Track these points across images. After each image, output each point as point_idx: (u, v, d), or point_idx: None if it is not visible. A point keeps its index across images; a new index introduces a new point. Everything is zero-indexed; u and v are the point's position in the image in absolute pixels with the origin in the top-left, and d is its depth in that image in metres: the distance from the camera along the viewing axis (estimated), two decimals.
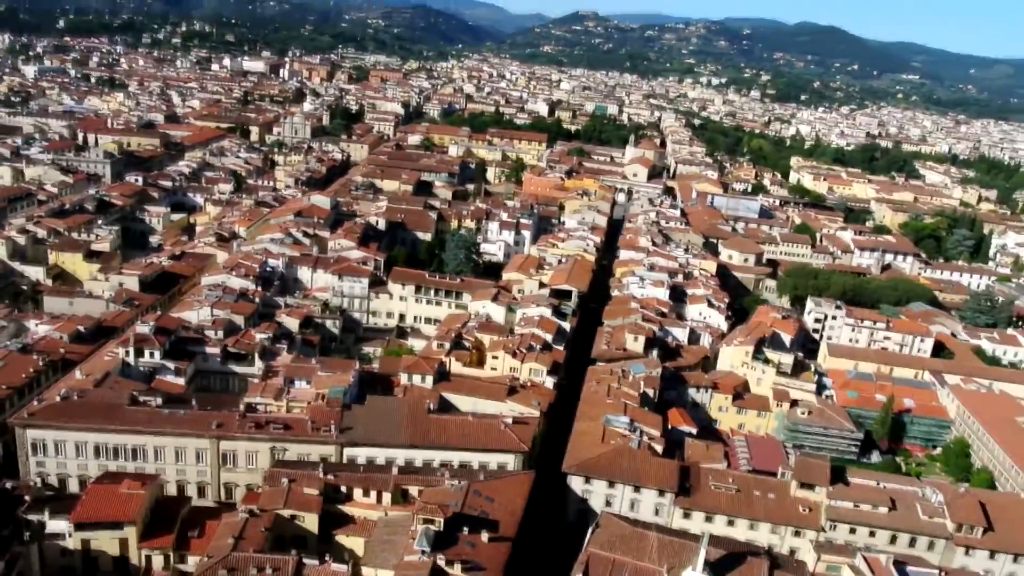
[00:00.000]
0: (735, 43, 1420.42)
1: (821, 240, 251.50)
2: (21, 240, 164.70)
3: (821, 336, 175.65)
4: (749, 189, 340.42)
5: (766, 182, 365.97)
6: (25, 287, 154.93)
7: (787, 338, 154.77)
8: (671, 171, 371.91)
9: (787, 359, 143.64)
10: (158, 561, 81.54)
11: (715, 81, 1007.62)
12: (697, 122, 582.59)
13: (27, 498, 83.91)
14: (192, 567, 78.50)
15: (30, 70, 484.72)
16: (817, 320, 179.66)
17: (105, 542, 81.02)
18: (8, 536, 76.60)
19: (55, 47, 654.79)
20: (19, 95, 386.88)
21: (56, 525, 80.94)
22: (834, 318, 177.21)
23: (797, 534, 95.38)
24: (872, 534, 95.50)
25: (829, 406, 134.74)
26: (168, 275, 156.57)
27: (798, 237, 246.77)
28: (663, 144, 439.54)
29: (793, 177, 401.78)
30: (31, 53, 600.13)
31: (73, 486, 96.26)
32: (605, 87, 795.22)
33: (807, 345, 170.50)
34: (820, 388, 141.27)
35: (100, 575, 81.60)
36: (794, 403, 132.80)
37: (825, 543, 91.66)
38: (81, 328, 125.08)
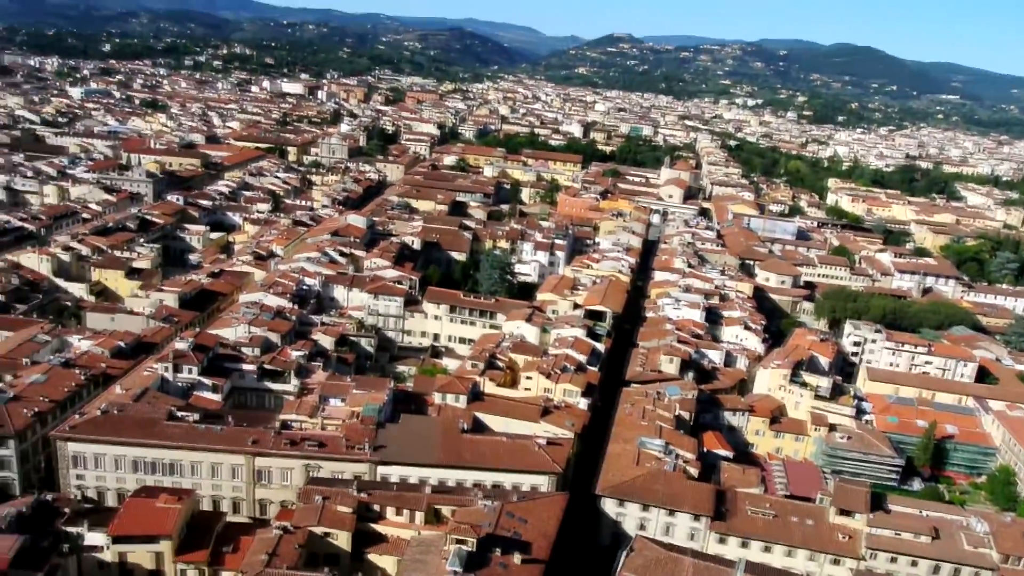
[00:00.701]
0: (771, 64, 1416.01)
1: (860, 262, 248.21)
2: (65, 257, 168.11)
3: (860, 360, 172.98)
4: (786, 211, 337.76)
5: (803, 204, 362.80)
6: (68, 303, 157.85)
7: (825, 361, 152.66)
8: (706, 192, 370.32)
9: (825, 383, 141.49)
10: (193, 575, 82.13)
11: (751, 102, 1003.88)
12: (733, 143, 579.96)
13: (66, 510, 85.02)
14: None
15: (76, 92, 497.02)
16: (856, 343, 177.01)
17: (141, 555, 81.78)
18: (48, 548, 77.56)
19: (101, 70, 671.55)
20: (66, 116, 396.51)
21: (94, 538, 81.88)
22: (873, 341, 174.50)
23: (836, 562, 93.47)
24: (914, 564, 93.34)
25: (868, 431, 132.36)
26: (206, 293, 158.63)
27: (836, 259, 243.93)
28: (698, 165, 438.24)
29: (831, 199, 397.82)
30: (78, 76, 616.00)
31: (111, 499, 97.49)
32: (640, 108, 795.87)
33: (845, 369, 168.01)
34: (859, 413, 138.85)
35: None
36: (832, 427, 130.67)
37: (865, 572, 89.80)
38: (122, 344, 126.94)
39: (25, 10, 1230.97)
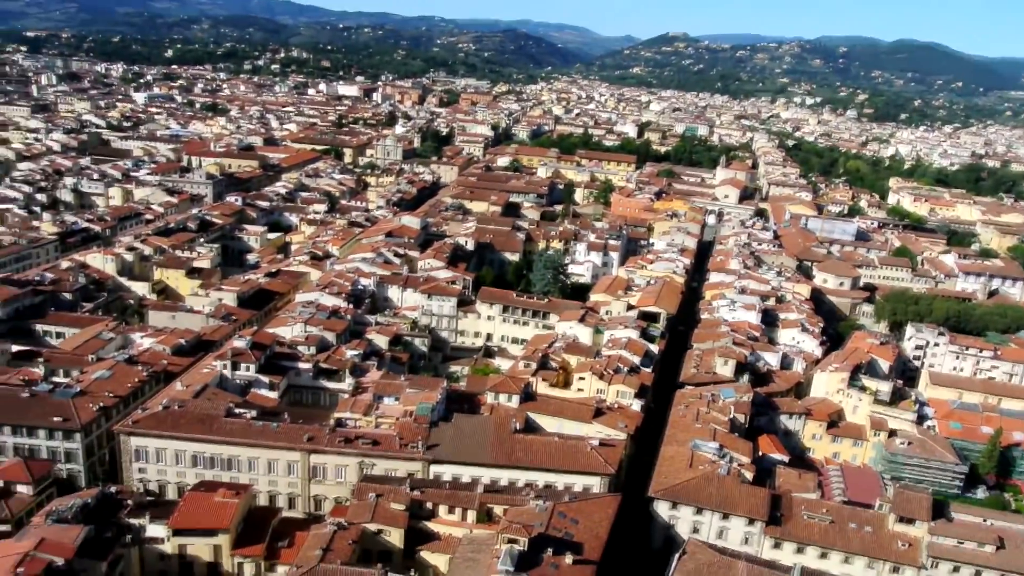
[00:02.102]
0: (830, 62, 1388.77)
1: (922, 264, 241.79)
2: (129, 257, 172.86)
3: (922, 364, 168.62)
4: (845, 211, 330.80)
5: (863, 204, 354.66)
6: (132, 302, 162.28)
7: (885, 365, 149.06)
8: (763, 193, 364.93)
9: (885, 387, 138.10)
10: (249, 569, 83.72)
11: (809, 101, 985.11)
12: (790, 143, 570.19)
13: (129, 503, 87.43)
14: None
15: (140, 97, 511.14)
16: (918, 347, 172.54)
17: (200, 548, 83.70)
18: (111, 538, 79.87)
19: (164, 75, 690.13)
20: (130, 120, 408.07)
21: (155, 530, 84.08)
22: (936, 345, 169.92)
23: (895, 570, 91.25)
24: (978, 574, 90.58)
25: (931, 437, 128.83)
26: (264, 292, 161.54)
27: (897, 260, 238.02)
28: (755, 165, 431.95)
29: (892, 199, 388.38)
30: (142, 81, 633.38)
31: (171, 493, 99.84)
32: (695, 108, 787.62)
33: (906, 373, 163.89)
34: (921, 418, 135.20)
35: None
36: (892, 433, 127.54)
37: None
38: (182, 341, 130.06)
39: (93, 19, 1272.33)
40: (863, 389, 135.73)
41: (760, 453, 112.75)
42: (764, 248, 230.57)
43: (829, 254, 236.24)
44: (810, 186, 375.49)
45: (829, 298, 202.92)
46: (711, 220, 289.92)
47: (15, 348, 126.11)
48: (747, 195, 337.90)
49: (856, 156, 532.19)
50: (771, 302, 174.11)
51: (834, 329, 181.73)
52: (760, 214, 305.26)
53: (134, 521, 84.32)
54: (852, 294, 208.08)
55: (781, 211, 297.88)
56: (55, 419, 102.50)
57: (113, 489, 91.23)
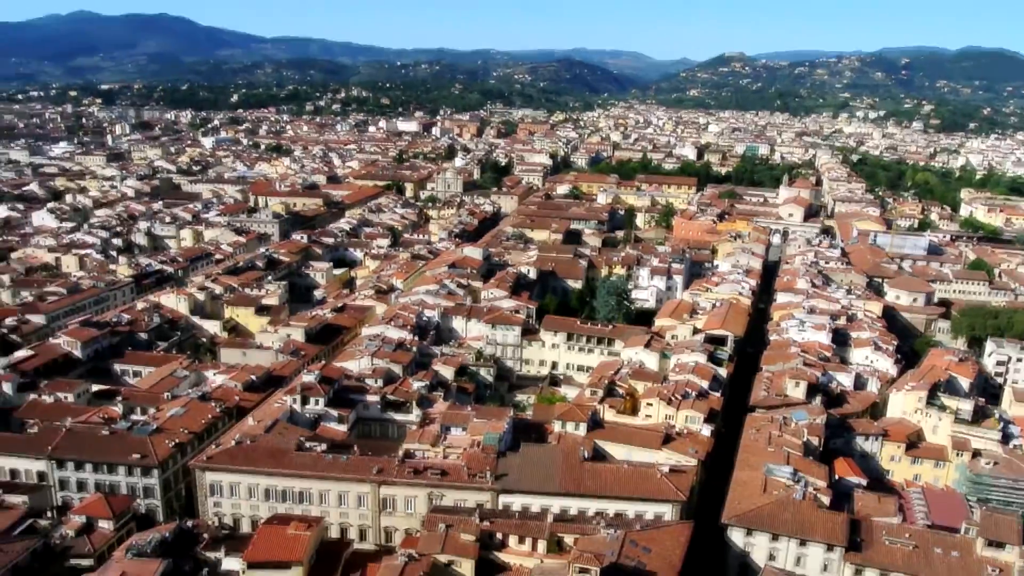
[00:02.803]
0: (892, 74, 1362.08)
1: (1000, 276, 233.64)
2: (200, 296, 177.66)
3: (1004, 380, 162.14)
4: (915, 225, 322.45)
5: (934, 217, 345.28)
6: (204, 340, 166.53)
7: (965, 383, 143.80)
8: (828, 210, 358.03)
9: (966, 405, 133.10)
10: None
11: (872, 115, 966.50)
12: (855, 158, 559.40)
13: (205, 536, 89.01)
14: None
15: (208, 141, 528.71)
16: (999, 363, 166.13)
17: None
18: (189, 572, 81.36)
19: (230, 119, 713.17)
20: (199, 164, 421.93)
21: (230, 563, 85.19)
22: (1019, 360, 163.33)
23: None
24: None
25: (1018, 456, 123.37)
26: (331, 327, 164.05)
27: (973, 274, 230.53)
28: (818, 183, 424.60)
29: (964, 210, 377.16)
30: (209, 126, 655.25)
31: (246, 526, 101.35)
32: (755, 127, 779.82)
33: (988, 390, 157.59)
34: (1006, 437, 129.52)
35: None
36: (976, 453, 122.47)
37: None
38: (253, 377, 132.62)
39: (162, 69, 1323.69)
40: (943, 408, 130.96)
41: (836, 477, 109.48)
42: (832, 266, 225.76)
43: (900, 270, 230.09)
44: (877, 201, 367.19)
45: (902, 315, 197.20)
46: (776, 240, 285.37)
47: (95, 388, 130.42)
48: (812, 213, 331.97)
49: (924, 168, 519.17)
50: (842, 321, 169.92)
51: (909, 347, 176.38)
52: (826, 232, 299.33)
53: (210, 555, 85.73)
54: (926, 310, 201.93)
55: (848, 228, 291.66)
56: (134, 456, 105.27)
57: (190, 523, 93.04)
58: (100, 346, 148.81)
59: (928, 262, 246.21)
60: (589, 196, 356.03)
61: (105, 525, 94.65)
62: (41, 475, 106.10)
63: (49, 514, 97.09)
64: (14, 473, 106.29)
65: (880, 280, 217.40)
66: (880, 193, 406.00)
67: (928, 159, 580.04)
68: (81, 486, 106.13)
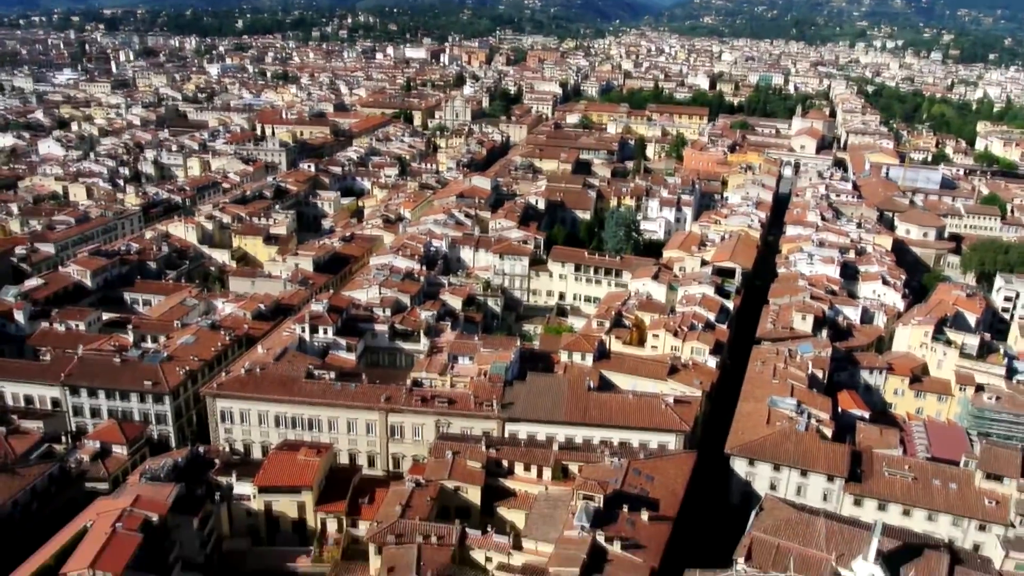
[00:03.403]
0: (912, 2, 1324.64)
1: (1013, 212, 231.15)
2: (209, 226, 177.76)
3: (1012, 316, 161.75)
4: (929, 158, 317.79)
5: (948, 150, 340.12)
6: (213, 269, 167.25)
7: (972, 318, 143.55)
8: (842, 142, 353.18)
9: (972, 340, 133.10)
10: (332, 525, 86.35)
11: (890, 44, 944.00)
12: (871, 89, 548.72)
13: (217, 462, 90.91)
14: (363, 532, 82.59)
15: (214, 69, 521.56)
16: (1007, 299, 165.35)
17: (285, 505, 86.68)
18: (201, 496, 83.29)
19: (235, 46, 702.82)
20: (204, 92, 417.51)
21: (242, 487, 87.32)
22: None
23: (982, 528, 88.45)
24: None
25: (1022, 391, 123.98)
26: (339, 256, 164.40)
27: (986, 209, 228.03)
28: (832, 114, 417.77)
29: (980, 144, 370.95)
30: (214, 53, 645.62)
31: (256, 452, 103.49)
32: (770, 56, 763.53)
33: (995, 326, 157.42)
34: (1011, 372, 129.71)
35: (281, 535, 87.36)
36: (980, 388, 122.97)
37: (1015, 539, 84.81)
38: (262, 306, 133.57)
39: None
40: (948, 343, 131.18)
41: (840, 409, 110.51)
42: (843, 199, 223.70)
43: (912, 204, 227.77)
44: (892, 134, 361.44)
45: (912, 249, 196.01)
46: (787, 172, 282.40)
47: (106, 316, 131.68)
48: (825, 145, 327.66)
49: (941, 100, 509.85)
50: (851, 255, 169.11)
51: (917, 282, 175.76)
52: (839, 164, 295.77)
53: (222, 479, 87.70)
54: (937, 245, 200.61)
55: (861, 160, 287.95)
56: (146, 383, 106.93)
57: (201, 449, 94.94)
58: (110, 275, 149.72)
59: (941, 196, 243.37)
60: (599, 126, 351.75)
61: (119, 450, 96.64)
62: (55, 402, 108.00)
63: (64, 439, 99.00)
64: (29, 400, 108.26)
65: (891, 214, 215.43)
66: (895, 125, 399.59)
67: (946, 91, 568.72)
68: (95, 412, 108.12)
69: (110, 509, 75.62)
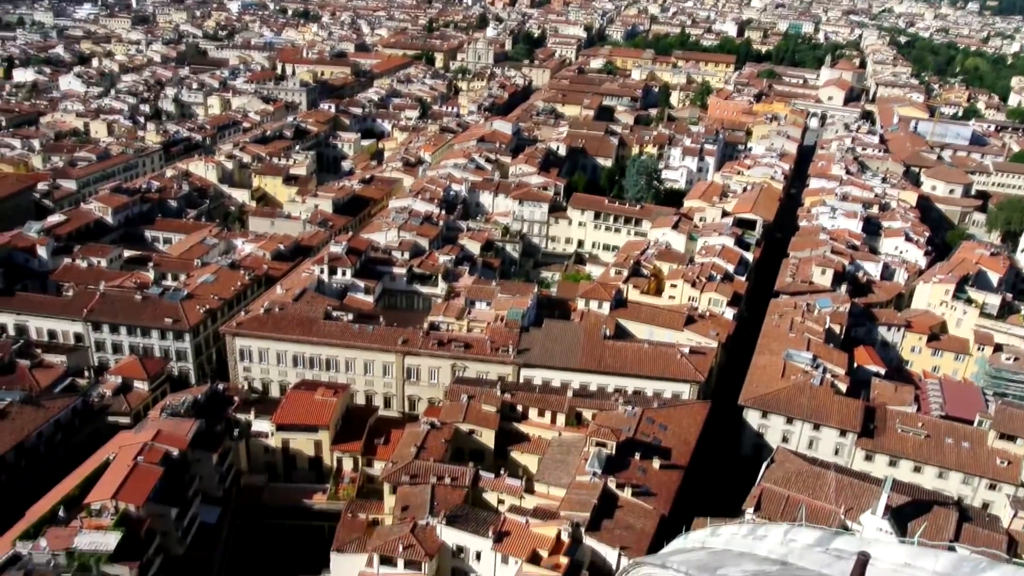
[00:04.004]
0: None
1: None
2: (229, 165, 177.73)
3: None
4: (960, 113, 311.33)
5: (980, 105, 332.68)
6: (233, 208, 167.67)
7: (995, 277, 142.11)
8: (870, 94, 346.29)
9: (993, 300, 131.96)
10: (348, 464, 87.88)
11: None
12: (903, 40, 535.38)
13: (236, 399, 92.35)
14: (378, 471, 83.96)
15: (234, 6, 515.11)
16: None
17: (302, 443, 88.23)
18: (220, 432, 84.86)
19: None
20: (225, 30, 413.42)
21: (260, 425, 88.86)
22: None
23: (992, 487, 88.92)
24: None
25: None
26: (359, 198, 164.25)
27: (1015, 167, 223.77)
28: (862, 65, 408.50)
29: (1013, 99, 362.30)
30: None
31: (274, 391, 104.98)
32: (800, 4, 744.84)
33: (1018, 286, 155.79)
34: None
35: (297, 472, 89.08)
36: (998, 348, 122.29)
37: None
38: (281, 247, 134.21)
39: None
40: (969, 301, 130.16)
41: (856, 365, 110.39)
42: (869, 153, 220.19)
43: (940, 159, 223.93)
44: (923, 86, 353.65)
45: (937, 206, 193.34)
46: (813, 123, 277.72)
47: (127, 253, 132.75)
48: (853, 97, 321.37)
49: (976, 53, 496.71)
50: (874, 210, 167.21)
51: (941, 239, 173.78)
52: (866, 117, 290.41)
53: (241, 416, 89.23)
54: (963, 202, 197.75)
55: (889, 113, 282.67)
56: (166, 320, 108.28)
57: (221, 386, 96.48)
58: (131, 212, 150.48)
59: (969, 152, 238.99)
60: (623, 71, 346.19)
61: (140, 386, 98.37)
62: (78, 337, 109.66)
63: (87, 374, 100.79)
64: (52, 334, 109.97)
65: (918, 169, 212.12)
66: (926, 78, 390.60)
67: (981, 43, 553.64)
68: (116, 348, 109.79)
69: (132, 443, 77.28)
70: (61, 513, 70.13)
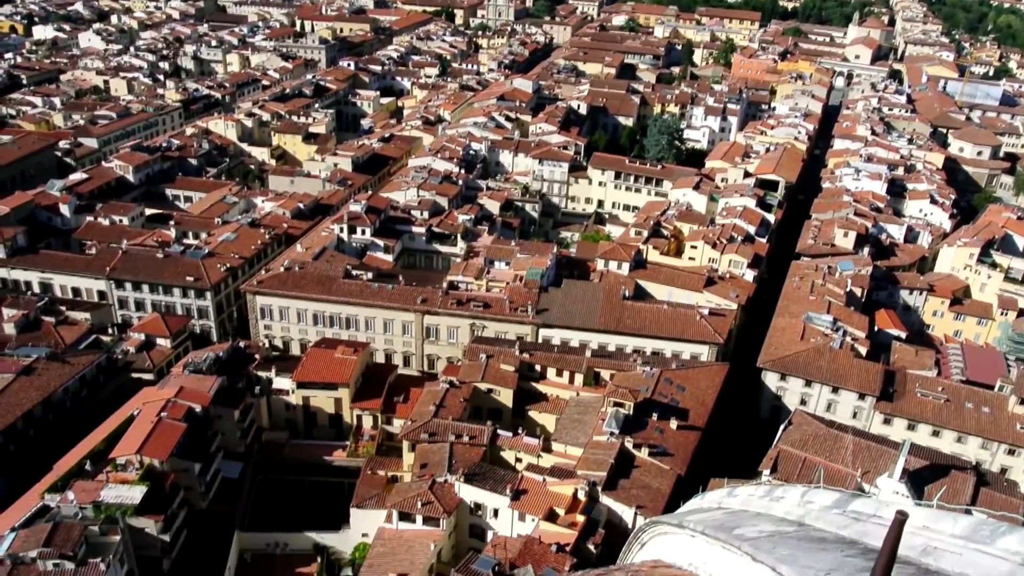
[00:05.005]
0: None
1: None
2: (248, 123, 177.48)
3: None
4: (991, 73, 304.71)
5: (1012, 65, 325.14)
6: (253, 167, 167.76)
7: (1021, 241, 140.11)
8: (899, 53, 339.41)
9: (1019, 264, 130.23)
10: (367, 421, 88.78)
11: None
12: None
13: (257, 357, 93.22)
14: (397, 429, 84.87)
15: None
16: None
17: (322, 400, 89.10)
18: (242, 389, 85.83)
19: None
20: None
21: (281, 382, 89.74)
22: None
23: (1011, 452, 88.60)
24: None
25: None
26: (378, 157, 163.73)
27: None
28: (891, 22, 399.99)
29: None
30: None
31: (295, 349, 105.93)
32: None
33: None
34: None
35: (317, 429, 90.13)
36: (1022, 313, 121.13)
37: None
38: (301, 205, 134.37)
39: None
40: (994, 265, 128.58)
41: (876, 328, 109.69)
42: (896, 113, 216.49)
43: (968, 120, 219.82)
44: (953, 45, 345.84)
45: (964, 168, 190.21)
46: (839, 83, 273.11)
47: (149, 211, 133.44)
48: (881, 55, 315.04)
49: (1009, 11, 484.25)
50: (899, 171, 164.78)
51: (967, 202, 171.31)
52: (894, 76, 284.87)
53: (262, 374, 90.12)
54: (990, 164, 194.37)
55: (918, 73, 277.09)
56: (188, 278, 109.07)
57: (242, 344, 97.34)
58: (152, 171, 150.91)
59: (999, 113, 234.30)
60: (646, 28, 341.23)
61: (163, 342, 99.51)
62: (101, 294, 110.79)
63: (111, 331, 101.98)
64: (76, 291, 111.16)
65: (945, 130, 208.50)
66: (957, 36, 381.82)
67: (1015, 0, 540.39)
68: (139, 305, 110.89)
69: (155, 399, 78.42)
70: (88, 467, 71.55)
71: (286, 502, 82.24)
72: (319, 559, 75.64)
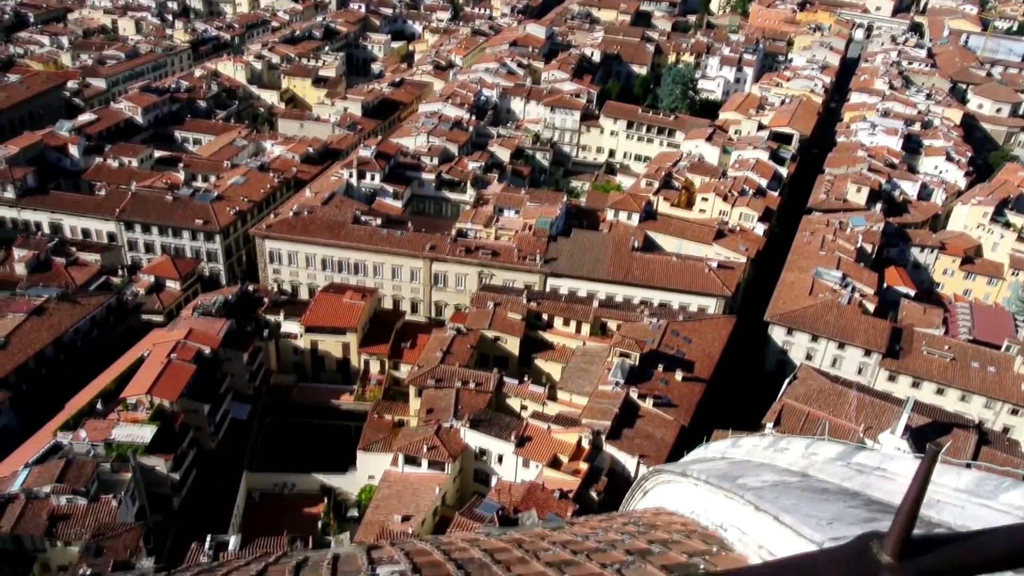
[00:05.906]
0: None
1: None
2: (258, 66, 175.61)
3: None
4: (1015, 28, 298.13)
5: None
6: (262, 110, 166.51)
7: None
8: (921, 5, 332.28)
9: None
10: (375, 366, 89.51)
11: None
12: None
13: (265, 300, 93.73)
14: (404, 374, 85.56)
15: None
16: None
17: (330, 344, 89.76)
18: (251, 332, 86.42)
19: None
20: None
21: (289, 326, 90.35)
22: None
23: (1015, 412, 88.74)
24: None
25: None
26: (388, 102, 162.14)
27: None
28: None
29: None
30: None
31: (303, 293, 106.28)
32: None
33: None
34: None
35: (325, 373, 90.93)
36: None
37: None
38: (310, 149, 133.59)
39: None
40: (1007, 225, 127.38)
41: (885, 285, 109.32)
42: (915, 67, 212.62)
43: (989, 76, 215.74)
44: None
45: (982, 125, 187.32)
46: (859, 35, 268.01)
47: (158, 154, 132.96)
48: (903, 7, 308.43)
49: None
50: (916, 127, 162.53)
51: (984, 160, 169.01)
52: (915, 29, 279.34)
53: (271, 317, 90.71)
54: (1009, 122, 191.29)
55: (940, 26, 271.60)
56: (197, 221, 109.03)
57: (251, 288, 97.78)
58: (160, 113, 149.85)
59: (1022, 70, 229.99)
60: None
61: (173, 285, 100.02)
62: (111, 236, 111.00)
63: (120, 272, 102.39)
64: (86, 233, 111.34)
65: (965, 86, 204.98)
66: None
67: None
68: (148, 248, 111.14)
69: (165, 340, 79.03)
70: (99, 406, 72.47)
71: (294, 444, 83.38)
72: (326, 500, 76.89)
